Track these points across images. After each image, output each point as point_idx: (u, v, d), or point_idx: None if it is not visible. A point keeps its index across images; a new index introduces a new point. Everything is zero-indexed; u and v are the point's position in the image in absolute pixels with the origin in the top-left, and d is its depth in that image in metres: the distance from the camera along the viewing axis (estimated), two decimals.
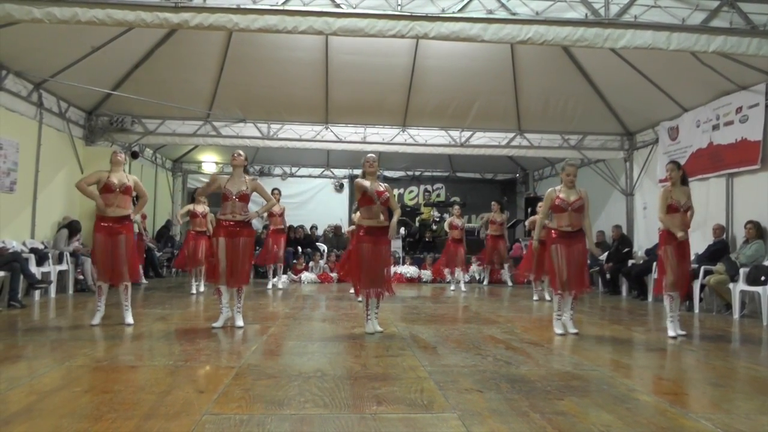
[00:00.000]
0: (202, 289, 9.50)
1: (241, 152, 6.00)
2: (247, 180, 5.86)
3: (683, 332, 5.74)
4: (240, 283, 5.80)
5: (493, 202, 12.37)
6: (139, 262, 6.05)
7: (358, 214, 6.21)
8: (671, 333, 5.68)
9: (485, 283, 12.16)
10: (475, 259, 12.85)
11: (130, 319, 5.83)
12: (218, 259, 5.67)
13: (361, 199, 5.57)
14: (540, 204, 6.93)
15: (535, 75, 10.58)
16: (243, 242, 5.73)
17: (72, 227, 9.19)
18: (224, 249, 5.65)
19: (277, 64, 10.23)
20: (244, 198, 5.80)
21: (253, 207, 5.98)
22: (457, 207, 11.56)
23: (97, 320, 5.77)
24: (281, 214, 10.19)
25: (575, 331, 5.72)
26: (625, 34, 6.09)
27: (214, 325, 5.72)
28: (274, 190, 10.19)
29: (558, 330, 5.72)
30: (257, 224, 14.22)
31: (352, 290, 8.11)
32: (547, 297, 8.11)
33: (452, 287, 10.98)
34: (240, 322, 5.82)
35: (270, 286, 10.26)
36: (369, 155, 5.72)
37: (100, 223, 5.79)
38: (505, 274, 12.30)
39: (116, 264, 5.77)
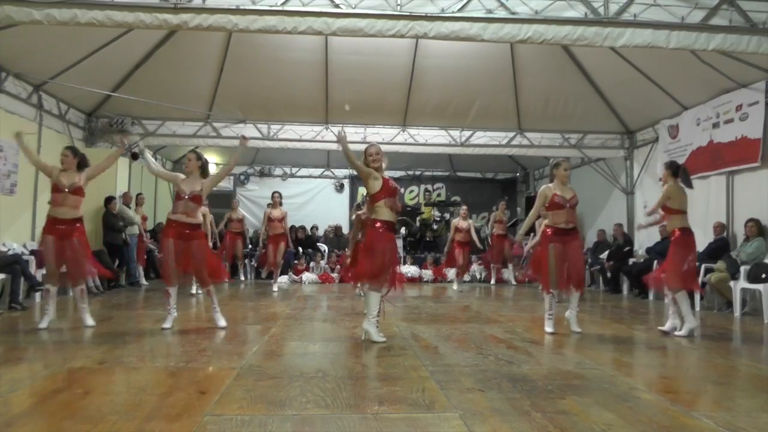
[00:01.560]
0: (201, 290, 9.50)
1: (192, 156, 5.82)
2: (203, 182, 5.77)
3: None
4: (205, 285, 5.75)
5: (501, 202, 12.42)
6: (89, 261, 5.84)
7: (362, 210, 6.13)
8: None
9: (492, 282, 12.18)
10: (475, 258, 12.87)
11: (90, 321, 5.66)
12: (167, 261, 5.59)
13: (381, 192, 5.03)
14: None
15: (534, 74, 10.58)
16: (194, 245, 5.61)
17: None
18: (172, 251, 5.56)
19: (277, 65, 10.24)
20: (197, 199, 5.67)
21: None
22: (464, 208, 11.22)
23: (44, 323, 5.58)
24: (281, 219, 9.93)
25: (578, 330, 5.71)
26: (625, 32, 6.09)
27: (164, 326, 5.62)
28: (274, 193, 10.16)
29: (549, 329, 5.70)
30: (255, 223, 14.27)
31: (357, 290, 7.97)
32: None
33: (455, 286, 10.91)
34: (221, 323, 5.75)
35: (275, 289, 10.07)
36: (371, 147, 5.18)
37: (51, 225, 5.63)
38: (508, 273, 12.33)
39: (68, 266, 5.62)
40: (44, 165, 5.85)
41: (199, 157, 5.87)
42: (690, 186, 5.94)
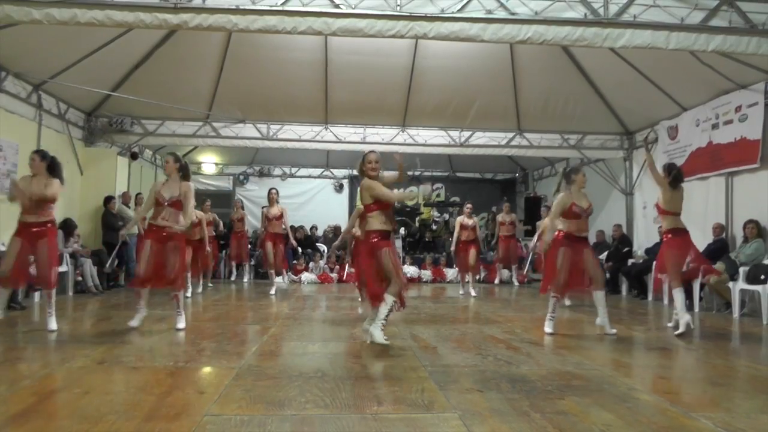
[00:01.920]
0: (199, 289, 9.54)
1: (170, 159, 5.73)
2: (182, 186, 5.66)
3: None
4: (175, 288, 5.64)
5: (504, 204, 12.41)
6: (56, 266, 5.68)
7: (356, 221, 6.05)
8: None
9: (497, 281, 12.21)
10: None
11: (53, 325, 5.48)
12: (141, 262, 5.55)
13: (375, 203, 4.89)
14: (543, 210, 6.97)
15: (534, 74, 10.58)
16: (171, 246, 5.56)
17: (67, 226, 9.18)
18: (148, 252, 5.50)
19: (277, 65, 10.23)
20: (176, 205, 5.58)
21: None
22: (468, 206, 10.25)
23: None
24: (279, 217, 9.30)
25: (613, 331, 5.71)
26: (624, 33, 6.09)
27: (131, 323, 5.57)
28: (271, 189, 9.69)
29: (548, 329, 5.72)
30: (255, 223, 14.26)
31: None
32: (567, 302, 7.93)
33: (461, 291, 10.04)
34: (180, 324, 5.64)
35: (272, 292, 9.37)
36: (370, 154, 4.99)
37: (21, 228, 5.48)
38: (509, 273, 12.36)
39: (38, 269, 5.49)
40: (19, 191, 5.47)
41: (178, 159, 5.74)
42: (674, 186, 6.08)
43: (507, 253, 12.08)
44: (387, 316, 4.82)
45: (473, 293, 9.60)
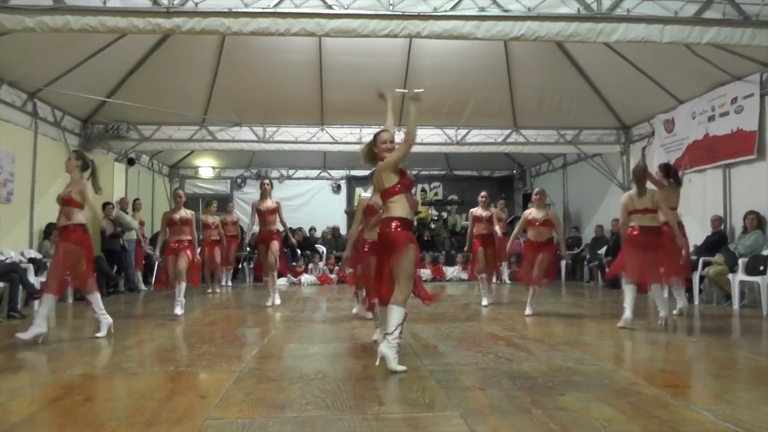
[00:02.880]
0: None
1: (71, 155, 5.53)
2: (81, 183, 5.40)
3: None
4: (86, 290, 5.51)
5: (499, 201, 12.42)
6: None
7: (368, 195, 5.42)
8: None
9: (495, 280, 12.22)
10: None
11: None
12: (56, 269, 5.38)
13: (399, 184, 4.17)
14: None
15: (529, 71, 10.58)
16: (73, 247, 5.33)
17: (50, 231, 9.14)
18: (61, 258, 5.33)
19: (271, 67, 10.22)
20: (67, 201, 5.30)
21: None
22: (483, 194, 8.61)
23: None
24: (274, 211, 8.17)
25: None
26: (618, 27, 6.09)
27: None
28: (264, 180, 8.97)
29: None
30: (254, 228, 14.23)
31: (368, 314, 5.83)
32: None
33: (485, 303, 8.14)
34: (102, 332, 5.46)
35: (278, 301, 8.28)
36: (383, 134, 4.42)
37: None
38: (504, 271, 12.37)
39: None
40: None
41: (80, 157, 5.50)
42: (679, 183, 6.61)
43: (503, 250, 12.09)
44: (399, 330, 4.04)
45: (485, 302, 8.13)
